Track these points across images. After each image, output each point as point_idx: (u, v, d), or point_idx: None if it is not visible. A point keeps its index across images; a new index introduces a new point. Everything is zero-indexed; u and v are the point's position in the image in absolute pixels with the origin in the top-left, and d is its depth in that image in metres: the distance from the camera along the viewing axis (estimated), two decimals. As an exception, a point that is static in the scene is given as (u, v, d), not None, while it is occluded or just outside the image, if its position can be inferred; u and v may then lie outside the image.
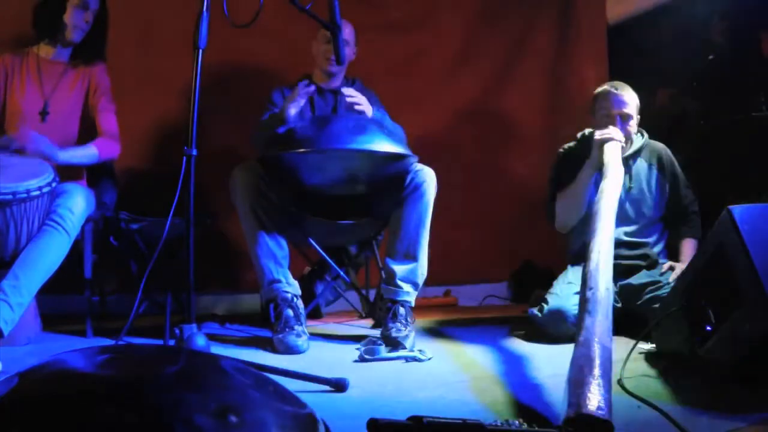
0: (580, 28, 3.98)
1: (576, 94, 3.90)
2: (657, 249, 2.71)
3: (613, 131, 2.59)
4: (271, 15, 2.22)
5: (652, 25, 3.73)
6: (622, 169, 2.49)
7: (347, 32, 2.88)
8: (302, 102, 2.65)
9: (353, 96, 2.66)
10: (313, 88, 2.70)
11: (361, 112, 2.66)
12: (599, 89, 2.76)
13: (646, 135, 2.78)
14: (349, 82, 2.99)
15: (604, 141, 2.57)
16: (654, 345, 2.16)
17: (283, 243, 2.55)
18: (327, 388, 1.79)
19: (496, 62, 3.86)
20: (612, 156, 2.51)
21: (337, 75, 2.95)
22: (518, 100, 3.88)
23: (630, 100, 2.68)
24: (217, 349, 2.27)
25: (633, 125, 2.69)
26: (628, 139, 2.68)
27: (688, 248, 2.71)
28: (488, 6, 3.86)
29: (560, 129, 3.79)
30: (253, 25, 2.00)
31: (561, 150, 2.87)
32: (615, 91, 2.68)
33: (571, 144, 2.87)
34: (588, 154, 2.63)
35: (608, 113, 2.66)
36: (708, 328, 1.82)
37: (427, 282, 2.66)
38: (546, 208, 2.82)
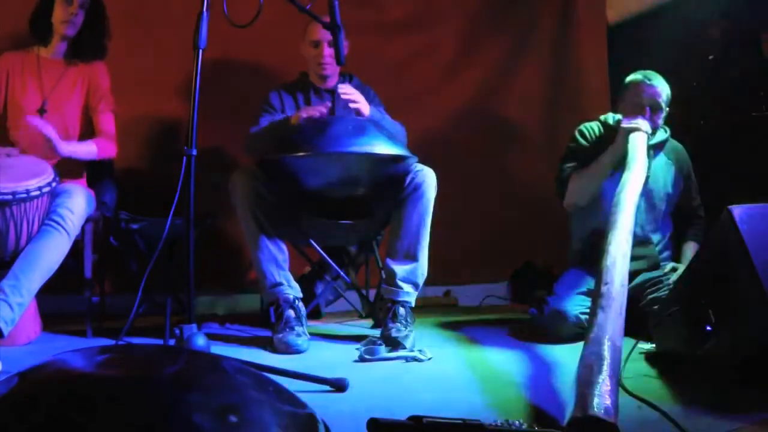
0: (580, 28, 3.98)
1: (576, 94, 3.89)
2: (659, 248, 2.71)
3: (641, 122, 2.54)
4: (271, 15, 2.22)
5: (652, 24, 3.72)
6: (646, 162, 2.44)
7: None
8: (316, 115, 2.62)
9: (349, 93, 2.64)
10: (327, 107, 2.68)
11: (358, 110, 2.65)
12: (631, 77, 2.71)
13: (669, 131, 2.76)
14: (346, 78, 2.95)
15: (630, 130, 2.52)
16: (654, 345, 2.16)
17: (284, 246, 2.54)
18: (327, 388, 1.79)
19: (497, 62, 3.86)
20: (637, 147, 2.46)
21: (332, 74, 2.92)
22: (518, 100, 3.87)
23: (662, 91, 2.64)
24: (217, 349, 2.27)
25: (661, 117, 2.66)
26: (655, 130, 2.64)
27: (690, 251, 2.70)
28: (488, 6, 3.86)
29: (560, 129, 3.80)
30: (253, 25, 2.00)
31: (582, 128, 2.80)
32: (648, 81, 2.64)
33: (592, 124, 2.80)
34: (609, 139, 2.60)
35: (638, 102, 2.62)
36: (708, 328, 1.82)
37: (427, 282, 2.65)
38: (556, 184, 2.76)
